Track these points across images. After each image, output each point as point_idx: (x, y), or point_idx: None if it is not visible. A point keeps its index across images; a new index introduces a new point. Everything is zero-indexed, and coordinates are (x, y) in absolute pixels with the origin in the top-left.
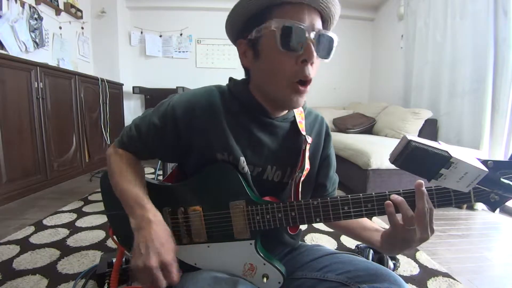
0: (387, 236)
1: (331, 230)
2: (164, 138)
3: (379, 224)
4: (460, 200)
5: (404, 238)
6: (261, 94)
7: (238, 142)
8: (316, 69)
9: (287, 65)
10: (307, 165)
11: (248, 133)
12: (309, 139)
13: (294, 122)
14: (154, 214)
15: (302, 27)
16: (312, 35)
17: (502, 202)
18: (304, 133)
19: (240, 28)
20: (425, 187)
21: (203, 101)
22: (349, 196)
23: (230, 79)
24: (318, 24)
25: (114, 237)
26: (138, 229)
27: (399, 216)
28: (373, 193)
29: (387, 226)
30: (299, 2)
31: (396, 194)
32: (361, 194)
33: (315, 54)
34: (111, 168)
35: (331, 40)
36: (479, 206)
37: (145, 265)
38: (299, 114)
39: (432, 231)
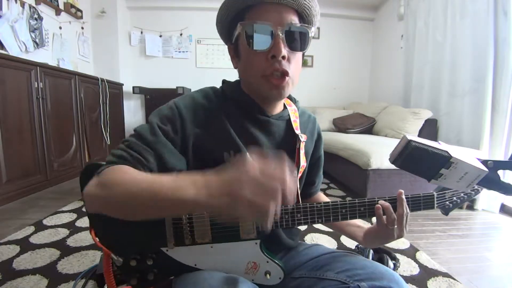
0: (371, 232)
1: (331, 230)
2: (170, 139)
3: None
4: (426, 206)
5: (386, 235)
6: (250, 91)
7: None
8: (297, 63)
9: (258, 62)
10: (303, 162)
11: (246, 133)
12: (304, 137)
13: (289, 121)
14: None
15: (266, 25)
16: (280, 30)
17: (453, 208)
18: (298, 131)
19: (226, 34)
20: (404, 195)
21: (204, 103)
22: (347, 201)
23: (223, 81)
24: (288, 19)
25: (97, 238)
26: (209, 189)
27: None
28: (366, 199)
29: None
30: (265, 2)
31: (383, 200)
32: (356, 200)
33: (282, 49)
34: (109, 180)
35: (303, 33)
36: (479, 206)
37: (269, 187)
38: (293, 113)
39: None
